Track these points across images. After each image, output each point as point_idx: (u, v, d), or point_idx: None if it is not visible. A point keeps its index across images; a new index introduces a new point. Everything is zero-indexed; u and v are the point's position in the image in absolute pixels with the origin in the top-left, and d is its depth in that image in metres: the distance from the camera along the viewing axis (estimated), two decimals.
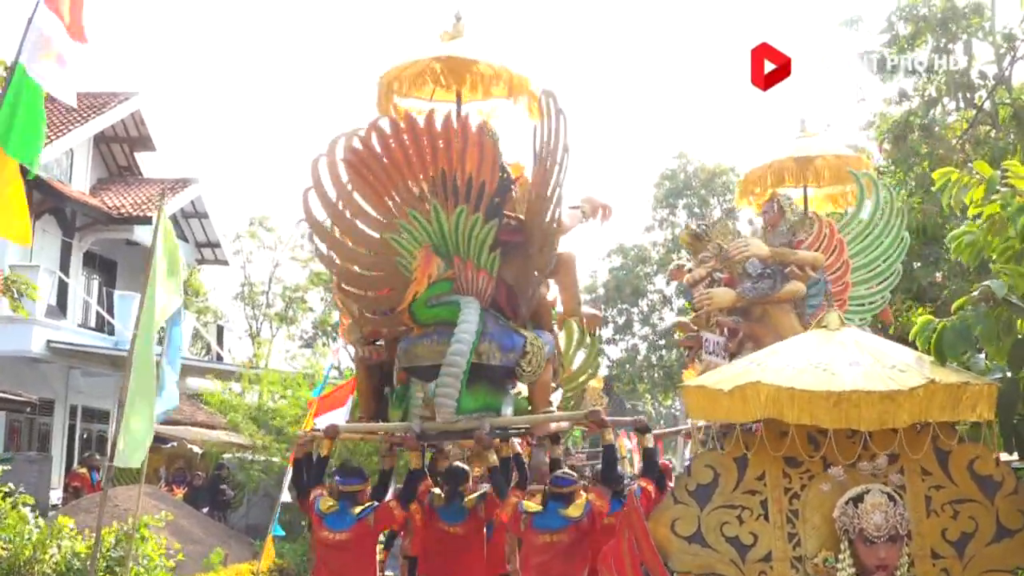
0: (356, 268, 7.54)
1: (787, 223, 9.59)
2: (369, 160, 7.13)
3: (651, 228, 38.47)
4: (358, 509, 7.50)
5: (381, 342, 8.35)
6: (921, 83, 15.07)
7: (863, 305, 9.84)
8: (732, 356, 8.95)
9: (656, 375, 36.69)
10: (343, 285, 7.62)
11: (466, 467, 8.73)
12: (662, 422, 35.30)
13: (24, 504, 9.70)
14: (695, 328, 10.52)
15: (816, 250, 9.33)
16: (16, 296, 12.46)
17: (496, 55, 8.31)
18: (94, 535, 8.94)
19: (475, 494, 8.24)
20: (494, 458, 7.62)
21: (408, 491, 7.78)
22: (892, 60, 15.15)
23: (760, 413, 4.55)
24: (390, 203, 7.28)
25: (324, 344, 36.84)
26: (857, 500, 4.40)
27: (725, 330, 9.44)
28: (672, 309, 35.85)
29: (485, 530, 8.38)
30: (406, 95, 8.47)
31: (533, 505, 7.41)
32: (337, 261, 7.51)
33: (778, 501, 4.74)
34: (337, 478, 7.88)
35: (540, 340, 7.62)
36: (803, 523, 4.70)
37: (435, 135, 7.08)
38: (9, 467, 11.62)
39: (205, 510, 18.69)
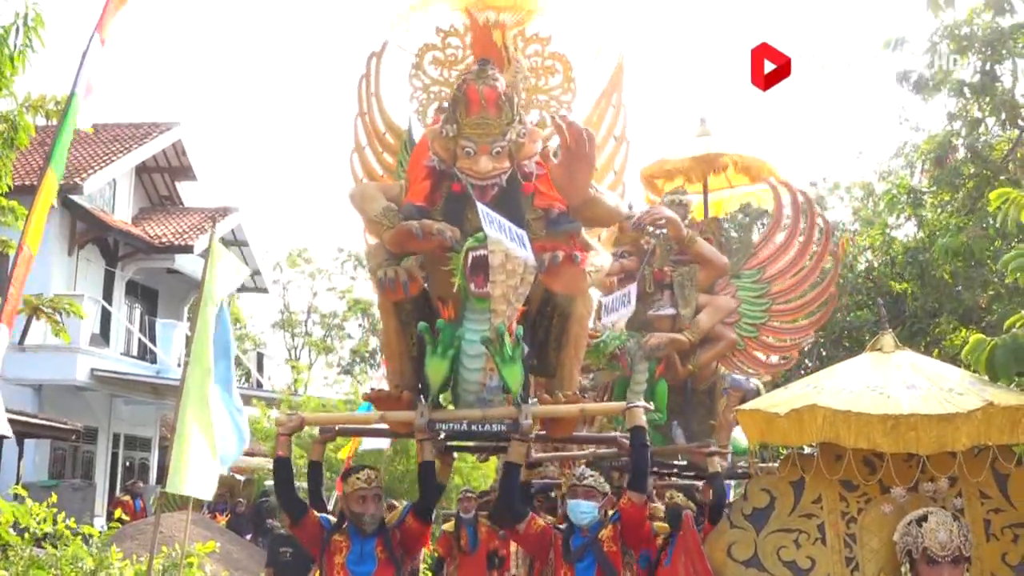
0: None
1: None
2: None
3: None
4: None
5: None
6: (965, 104, 14.99)
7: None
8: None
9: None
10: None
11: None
12: None
13: (73, 530, 9.81)
14: None
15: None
16: (60, 322, 12.57)
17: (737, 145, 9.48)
18: (142, 562, 9.02)
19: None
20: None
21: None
22: (934, 80, 15.09)
23: (816, 436, 4.57)
24: None
25: (363, 371, 37.03)
26: (921, 520, 4.39)
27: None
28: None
29: None
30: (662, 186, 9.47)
31: None
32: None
33: (835, 525, 4.75)
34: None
35: None
36: (861, 547, 4.70)
37: None
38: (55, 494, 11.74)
39: (248, 537, 18.79)
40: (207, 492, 8.36)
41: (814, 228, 9.10)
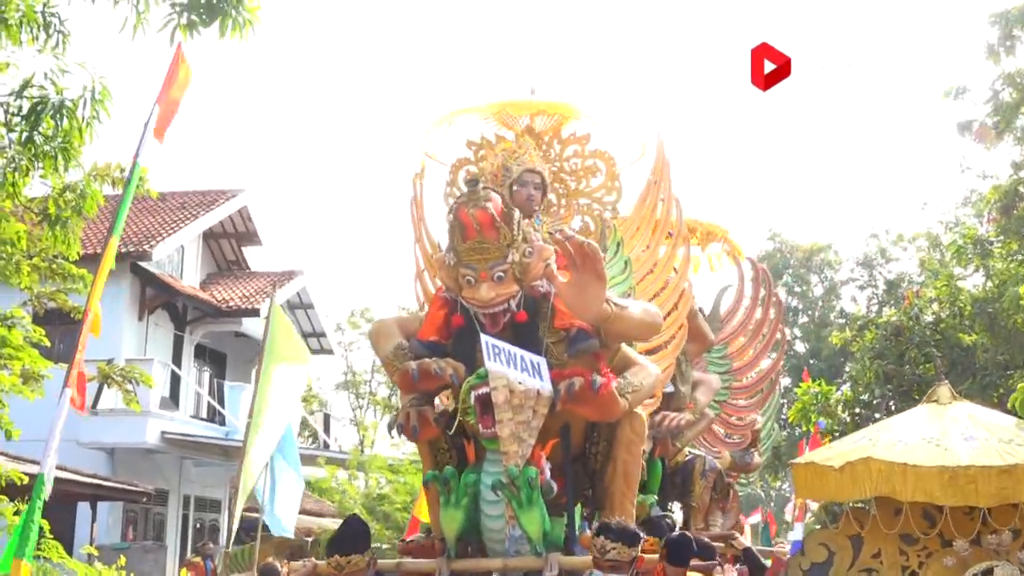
0: None
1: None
2: None
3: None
4: None
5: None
6: None
7: None
8: None
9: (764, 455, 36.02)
10: None
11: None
12: (772, 504, 34.52)
13: None
14: None
15: None
16: (131, 388, 12.87)
17: None
18: None
19: None
20: None
21: None
22: (997, 129, 14.90)
23: (872, 491, 4.54)
24: None
25: None
26: (987, 573, 4.33)
27: None
28: (780, 387, 35.42)
29: None
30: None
31: None
32: None
33: None
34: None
35: None
36: None
37: None
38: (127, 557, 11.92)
39: None
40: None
41: (769, 303, 9.00)
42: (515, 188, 6.38)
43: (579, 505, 5.72)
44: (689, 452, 7.90)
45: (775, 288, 9.57)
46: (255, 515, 10.08)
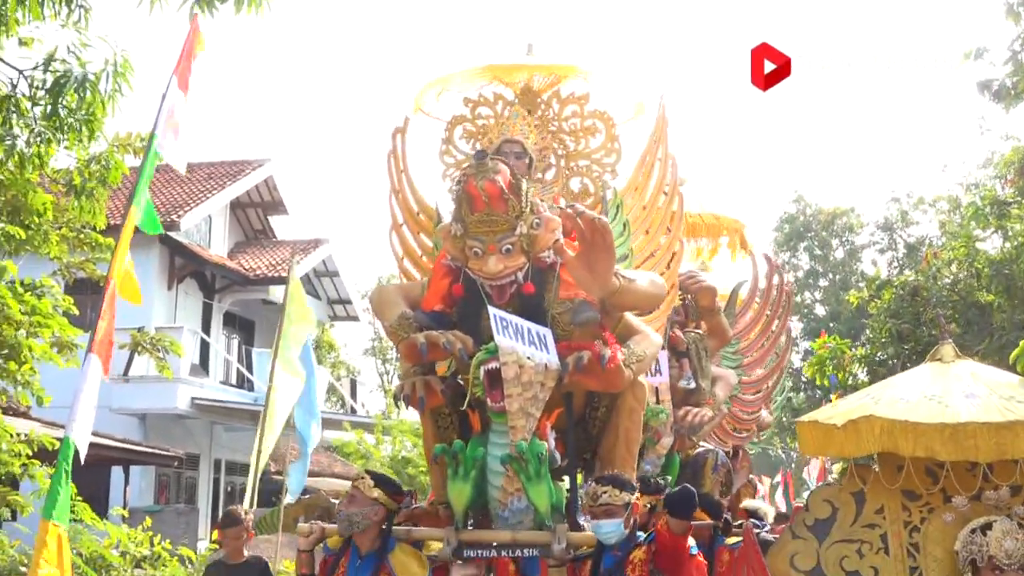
0: None
1: None
2: None
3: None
4: None
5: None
6: None
7: None
8: None
9: (784, 418, 35.98)
10: None
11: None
12: (793, 466, 34.56)
13: (171, 552, 10.17)
14: None
15: None
16: (162, 356, 13.11)
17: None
18: None
19: None
20: None
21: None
22: (1016, 89, 14.74)
23: (874, 447, 4.57)
24: None
25: None
26: (985, 528, 4.36)
27: None
28: (798, 351, 35.31)
29: None
30: None
31: None
32: None
33: (898, 535, 4.73)
34: None
35: None
36: (924, 556, 4.67)
37: None
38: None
39: None
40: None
41: (780, 300, 8.97)
42: None
43: (580, 472, 5.69)
44: (700, 444, 7.91)
45: (788, 278, 9.55)
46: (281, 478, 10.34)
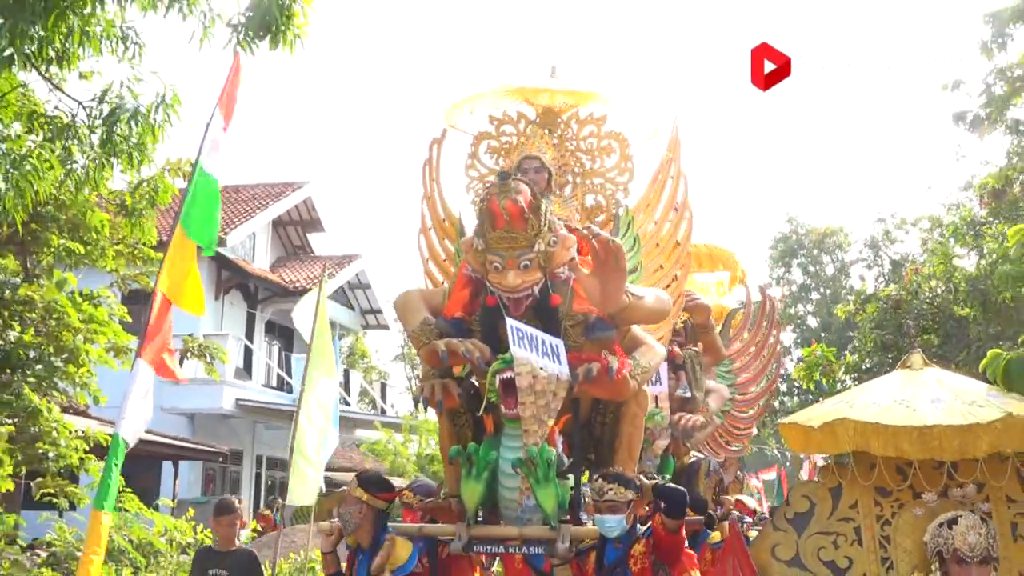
0: None
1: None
2: None
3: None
4: None
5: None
6: (1020, 141, 14.62)
7: None
8: None
9: (776, 420, 35.85)
10: None
11: None
12: (788, 464, 34.37)
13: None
14: None
15: None
16: (209, 360, 13.27)
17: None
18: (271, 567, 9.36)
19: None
20: None
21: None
22: (989, 120, 14.72)
23: (848, 446, 4.60)
24: None
25: None
26: (951, 522, 4.35)
27: None
28: (792, 359, 35.19)
29: None
30: None
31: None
32: None
33: (870, 528, 4.74)
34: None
35: None
36: (895, 547, 4.68)
37: None
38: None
39: None
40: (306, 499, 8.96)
41: (772, 328, 9.06)
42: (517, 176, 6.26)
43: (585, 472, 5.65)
44: (693, 454, 7.95)
45: (778, 310, 9.60)
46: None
